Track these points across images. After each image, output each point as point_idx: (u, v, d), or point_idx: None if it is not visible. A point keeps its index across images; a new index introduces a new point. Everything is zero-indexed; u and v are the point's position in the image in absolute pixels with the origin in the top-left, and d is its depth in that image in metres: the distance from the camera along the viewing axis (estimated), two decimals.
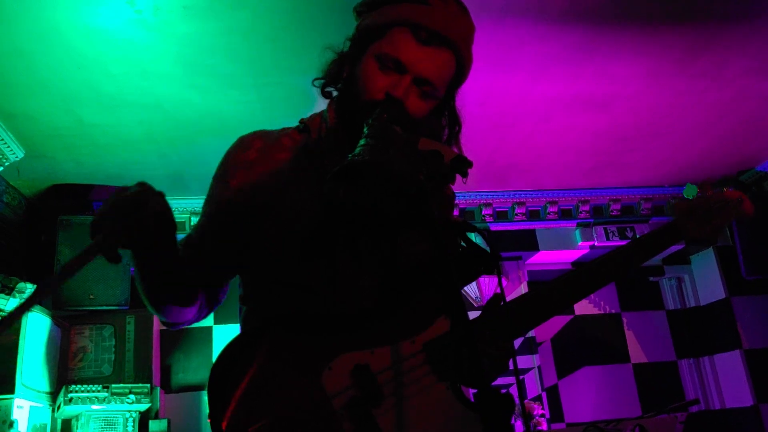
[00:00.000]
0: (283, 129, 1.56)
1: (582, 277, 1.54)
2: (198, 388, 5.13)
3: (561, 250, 5.86)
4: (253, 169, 1.46)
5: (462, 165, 1.21)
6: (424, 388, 1.30)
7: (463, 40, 1.48)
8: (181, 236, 1.47)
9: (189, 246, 1.47)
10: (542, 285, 1.52)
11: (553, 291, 1.52)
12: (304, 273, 1.39)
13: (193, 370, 5.20)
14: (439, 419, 1.29)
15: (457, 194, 1.48)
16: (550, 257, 5.95)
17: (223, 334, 5.24)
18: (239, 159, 1.49)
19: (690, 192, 1.70)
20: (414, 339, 1.33)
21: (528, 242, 5.96)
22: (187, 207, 5.28)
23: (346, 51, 1.51)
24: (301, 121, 1.54)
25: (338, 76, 1.51)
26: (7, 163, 4.42)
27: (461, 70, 1.51)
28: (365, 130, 1.25)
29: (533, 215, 6.00)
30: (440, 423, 1.29)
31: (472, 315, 1.25)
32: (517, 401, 4.71)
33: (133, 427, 4.46)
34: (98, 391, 4.37)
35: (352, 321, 1.34)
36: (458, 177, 1.25)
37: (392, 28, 1.41)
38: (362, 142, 1.22)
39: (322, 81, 1.56)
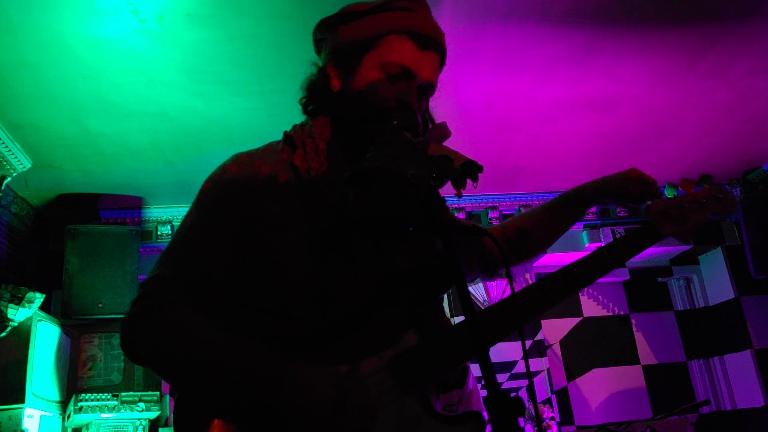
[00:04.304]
0: (270, 146, 1.52)
1: (559, 280, 1.48)
2: None
3: (568, 252, 5.84)
4: (264, 198, 1.40)
5: (472, 169, 1.21)
6: (393, 402, 1.30)
7: (445, 43, 1.50)
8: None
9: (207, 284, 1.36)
10: (514, 295, 1.44)
11: (526, 298, 1.45)
12: (290, 296, 1.36)
13: None
14: (411, 431, 1.29)
15: (463, 197, 1.46)
16: (558, 259, 5.93)
17: None
18: (252, 185, 1.41)
19: (670, 192, 1.68)
20: (381, 354, 1.32)
21: None
22: None
23: (331, 63, 1.48)
24: (286, 134, 1.52)
25: (325, 90, 1.49)
26: (14, 174, 4.44)
27: (441, 68, 1.51)
28: (376, 137, 1.25)
29: None
30: None
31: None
32: (528, 405, 4.70)
33: None
34: (108, 400, 4.38)
35: (322, 337, 1.33)
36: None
37: (386, 36, 1.42)
38: (373, 148, 1.21)
39: (306, 98, 1.54)
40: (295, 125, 1.55)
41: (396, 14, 1.43)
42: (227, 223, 1.38)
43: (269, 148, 1.50)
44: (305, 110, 1.55)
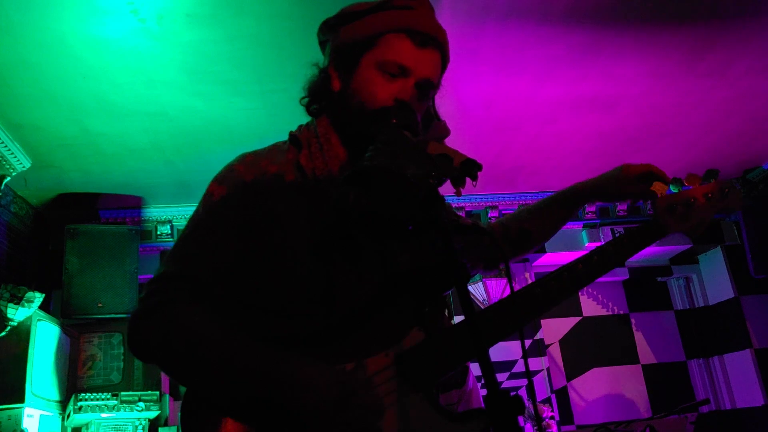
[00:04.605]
0: (276, 146, 1.52)
1: (565, 277, 1.47)
2: None
3: (568, 252, 5.84)
4: (270, 197, 1.40)
5: (472, 168, 1.20)
6: (399, 399, 1.30)
7: (446, 41, 1.50)
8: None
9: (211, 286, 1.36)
10: (522, 290, 1.45)
11: (530, 295, 1.45)
12: (295, 293, 1.37)
13: None
14: (417, 429, 1.29)
15: (463, 196, 1.45)
16: (557, 259, 5.94)
17: None
18: (258, 184, 1.42)
19: (675, 187, 1.65)
20: (387, 352, 1.33)
21: None
22: None
23: (332, 64, 1.49)
24: (291, 134, 1.53)
25: (327, 91, 1.50)
26: (14, 173, 4.44)
27: (444, 67, 1.51)
28: (375, 135, 1.25)
29: None
30: None
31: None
32: (528, 404, 4.70)
33: None
34: (107, 399, 4.38)
35: (327, 334, 1.34)
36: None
37: (384, 35, 1.42)
38: (372, 147, 1.21)
39: (308, 99, 1.55)
40: (301, 125, 1.55)
41: (395, 13, 1.43)
42: (233, 222, 1.38)
43: (275, 148, 1.51)
44: (308, 110, 1.56)
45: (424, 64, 1.42)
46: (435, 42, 1.44)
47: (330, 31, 1.51)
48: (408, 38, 1.41)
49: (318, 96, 1.53)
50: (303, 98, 1.56)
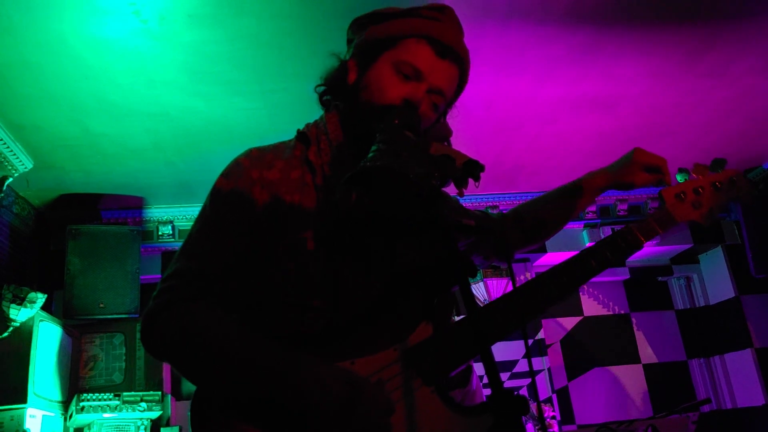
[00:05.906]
0: (283, 143, 1.53)
1: (572, 269, 1.47)
2: None
3: (568, 252, 5.85)
4: (276, 191, 1.41)
5: (474, 169, 1.21)
6: (408, 393, 1.30)
7: (467, 60, 1.51)
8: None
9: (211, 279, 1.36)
10: (530, 281, 1.44)
11: (544, 285, 1.44)
12: (302, 289, 1.37)
13: None
14: (427, 423, 1.29)
15: (464, 196, 1.45)
16: (558, 258, 5.94)
17: None
18: (264, 177, 1.43)
19: (682, 177, 1.65)
20: (395, 347, 1.34)
21: None
22: (194, 215, 5.30)
23: (352, 59, 1.51)
24: (299, 132, 1.53)
25: (342, 83, 1.51)
26: (16, 174, 4.45)
27: (460, 87, 1.53)
28: (377, 135, 1.26)
29: None
30: (427, 427, 1.29)
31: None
32: (531, 403, 4.71)
33: None
34: (109, 400, 4.39)
35: (334, 331, 1.34)
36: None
37: (407, 38, 1.44)
38: (374, 147, 1.22)
39: (323, 88, 1.57)
40: (308, 123, 1.56)
41: (422, 21, 1.46)
42: (240, 217, 1.39)
43: (282, 145, 1.52)
44: (321, 100, 1.58)
45: (440, 73, 1.43)
46: (455, 56, 1.45)
47: (360, 29, 1.53)
48: (428, 45, 1.43)
49: (332, 86, 1.55)
50: (318, 86, 1.58)
